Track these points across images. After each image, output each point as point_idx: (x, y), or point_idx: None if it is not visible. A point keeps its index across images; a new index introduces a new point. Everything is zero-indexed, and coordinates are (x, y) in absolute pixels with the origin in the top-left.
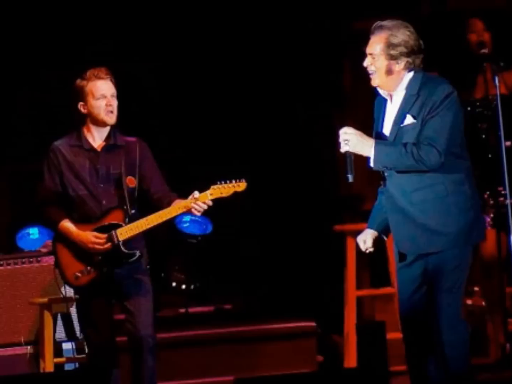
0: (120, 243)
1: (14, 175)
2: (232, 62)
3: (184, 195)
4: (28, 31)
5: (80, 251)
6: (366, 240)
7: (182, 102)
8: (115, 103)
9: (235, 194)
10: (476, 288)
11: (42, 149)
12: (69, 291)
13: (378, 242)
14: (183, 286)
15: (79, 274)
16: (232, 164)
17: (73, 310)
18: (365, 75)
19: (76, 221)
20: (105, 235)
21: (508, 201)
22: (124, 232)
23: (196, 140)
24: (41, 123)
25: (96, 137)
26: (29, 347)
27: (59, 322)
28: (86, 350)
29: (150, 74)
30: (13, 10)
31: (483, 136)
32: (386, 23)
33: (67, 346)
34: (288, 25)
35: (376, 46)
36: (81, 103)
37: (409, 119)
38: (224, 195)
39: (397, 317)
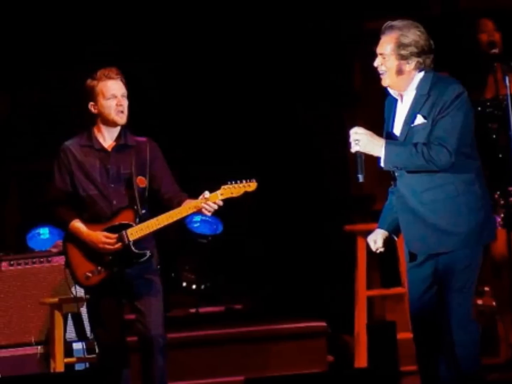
0: (131, 243)
1: (23, 175)
2: (234, 61)
3: (192, 195)
4: (28, 31)
5: (91, 251)
6: (376, 240)
7: (182, 102)
8: (125, 103)
9: (246, 194)
10: (486, 288)
11: (51, 148)
12: (79, 291)
13: (388, 242)
14: (194, 286)
15: (89, 274)
16: (240, 164)
17: (83, 310)
18: (375, 75)
19: (86, 221)
20: (115, 235)
21: None
22: (135, 232)
23: (198, 141)
24: (42, 123)
25: (107, 137)
26: (39, 347)
27: (70, 322)
28: (97, 350)
29: (151, 74)
30: (13, 10)
31: (494, 136)
32: (396, 23)
33: (77, 346)
34: (298, 24)
35: (386, 46)
36: (91, 103)
37: (419, 119)
38: (234, 195)
39: (407, 317)
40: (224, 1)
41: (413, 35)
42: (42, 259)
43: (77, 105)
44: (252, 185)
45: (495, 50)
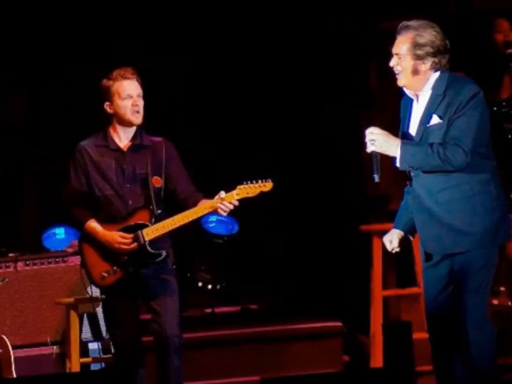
0: (146, 243)
1: (40, 175)
2: (258, 61)
3: (209, 195)
4: (55, 31)
5: (106, 251)
6: (392, 240)
7: (206, 102)
8: (141, 103)
9: (261, 194)
10: (502, 288)
11: (68, 149)
12: (95, 291)
13: (404, 242)
14: (209, 286)
15: (105, 274)
16: (257, 164)
17: (99, 310)
18: (391, 75)
19: (102, 221)
20: (131, 235)
21: None
22: (150, 232)
23: (221, 140)
24: (67, 123)
25: (122, 137)
26: (55, 347)
27: (85, 322)
28: (112, 350)
29: (175, 73)
30: (41, 11)
31: (509, 136)
32: (412, 23)
33: (93, 346)
34: (315, 25)
35: (402, 46)
36: (107, 103)
37: (435, 119)
38: (250, 195)
39: (423, 317)
40: (248, 2)
41: (428, 35)
42: (57, 259)
43: (100, 105)
44: (267, 185)
45: (511, 50)
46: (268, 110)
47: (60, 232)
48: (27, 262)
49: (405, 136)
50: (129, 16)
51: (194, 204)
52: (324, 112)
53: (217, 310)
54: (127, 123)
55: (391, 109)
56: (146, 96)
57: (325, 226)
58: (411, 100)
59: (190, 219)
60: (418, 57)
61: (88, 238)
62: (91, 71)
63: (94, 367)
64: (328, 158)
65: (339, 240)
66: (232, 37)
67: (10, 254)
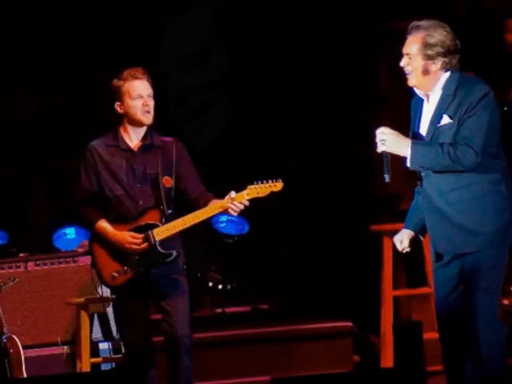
0: (157, 243)
1: (49, 175)
2: (259, 62)
3: (215, 195)
4: (55, 31)
5: (117, 251)
6: (402, 240)
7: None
8: (151, 103)
9: (272, 194)
10: None
11: (70, 149)
12: (105, 291)
13: (414, 242)
14: (220, 286)
15: (115, 274)
16: (265, 164)
17: (109, 310)
18: (401, 75)
19: (112, 221)
20: (141, 235)
21: None
22: (161, 232)
23: (228, 140)
24: (69, 123)
25: (133, 137)
26: (65, 347)
27: (96, 322)
28: (123, 350)
29: None
30: (42, 10)
31: None
32: (422, 23)
33: (103, 346)
34: (325, 24)
35: (412, 46)
36: (117, 103)
37: (445, 119)
38: (260, 195)
39: (433, 317)
40: (249, 2)
41: (439, 35)
42: (68, 259)
43: (103, 105)
44: (278, 185)
45: None
46: (277, 110)
47: (70, 232)
48: (38, 262)
49: (415, 136)
50: (129, 16)
51: (205, 204)
52: (333, 112)
53: (228, 310)
54: (137, 123)
55: (401, 109)
56: None
57: (335, 226)
58: (422, 100)
59: (201, 219)
60: (429, 57)
61: (98, 238)
62: (91, 71)
63: (105, 367)
64: (338, 158)
65: (350, 240)
66: (233, 37)
67: (21, 254)
